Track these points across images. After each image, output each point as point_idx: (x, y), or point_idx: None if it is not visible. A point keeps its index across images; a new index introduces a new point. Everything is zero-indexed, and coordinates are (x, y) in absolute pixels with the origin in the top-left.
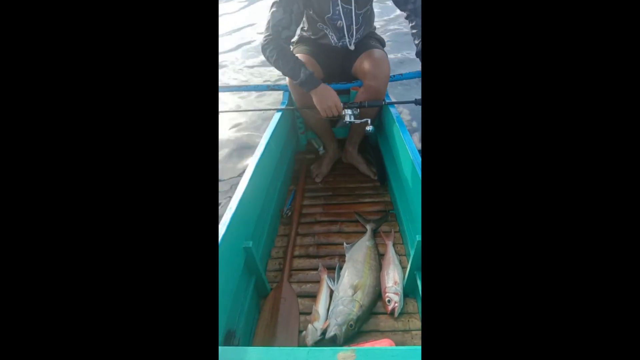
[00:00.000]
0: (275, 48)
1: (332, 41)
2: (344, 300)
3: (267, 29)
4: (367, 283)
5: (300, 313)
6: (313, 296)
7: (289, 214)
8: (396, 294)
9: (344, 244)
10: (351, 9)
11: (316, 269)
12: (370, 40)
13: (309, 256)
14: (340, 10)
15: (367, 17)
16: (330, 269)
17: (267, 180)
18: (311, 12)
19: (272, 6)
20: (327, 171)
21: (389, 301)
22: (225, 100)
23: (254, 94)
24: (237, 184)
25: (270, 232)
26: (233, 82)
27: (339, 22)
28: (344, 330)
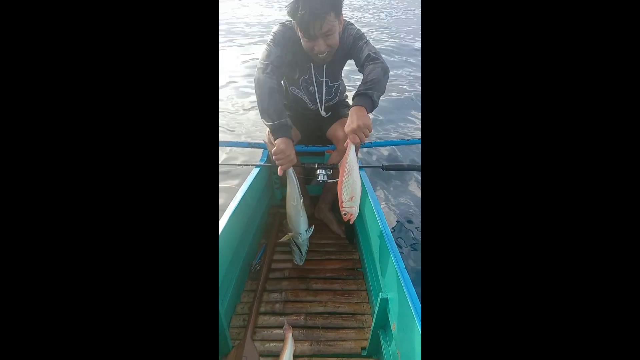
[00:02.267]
0: (269, 81)
1: (307, 103)
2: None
3: (264, 59)
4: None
5: None
6: (276, 355)
7: (258, 268)
8: (352, 207)
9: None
10: (322, 81)
11: (281, 327)
12: (343, 108)
13: (274, 313)
14: (314, 79)
15: (337, 88)
16: (296, 327)
17: (239, 233)
18: (290, 71)
19: (269, 44)
20: None
21: (345, 214)
22: None
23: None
24: None
25: (237, 287)
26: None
27: (311, 87)
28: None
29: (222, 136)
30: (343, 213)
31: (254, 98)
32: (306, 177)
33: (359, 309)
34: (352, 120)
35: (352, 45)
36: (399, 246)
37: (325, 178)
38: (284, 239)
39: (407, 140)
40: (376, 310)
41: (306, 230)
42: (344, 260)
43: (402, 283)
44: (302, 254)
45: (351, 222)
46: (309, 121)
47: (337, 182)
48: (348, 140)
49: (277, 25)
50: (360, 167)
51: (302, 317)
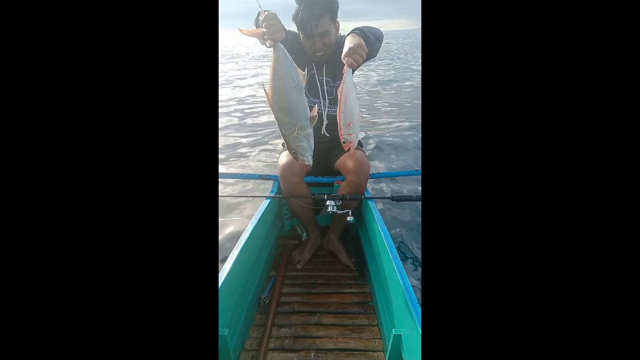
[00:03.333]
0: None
1: (311, 102)
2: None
3: None
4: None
5: None
6: None
7: (267, 301)
8: (350, 134)
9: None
10: (323, 80)
11: None
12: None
13: (284, 349)
14: (316, 77)
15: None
16: None
17: (249, 265)
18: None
19: None
20: (308, 257)
21: (344, 142)
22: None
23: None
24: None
25: (246, 321)
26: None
27: (314, 86)
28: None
29: (233, 170)
30: (342, 141)
31: (254, 137)
32: (315, 208)
33: (371, 346)
34: (346, 45)
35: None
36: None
37: (335, 209)
38: (292, 136)
39: (417, 170)
40: (389, 348)
41: (311, 116)
42: (354, 294)
43: (416, 319)
44: (312, 146)
45: (351, 152)
46: (318, 153)
47: (347, 212)
48: (345, 65)
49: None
50: (369, 198)
51: (312, 354)
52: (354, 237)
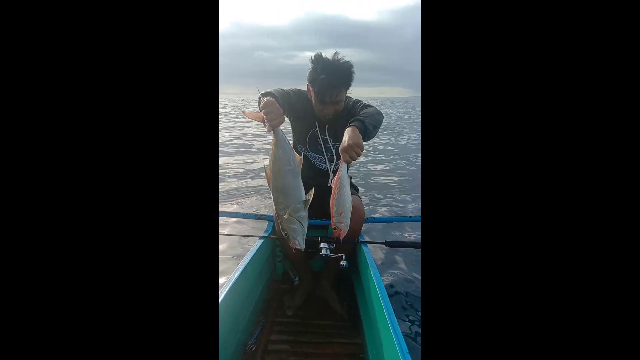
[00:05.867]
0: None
1: (312, 159)
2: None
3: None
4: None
5: None
6: None
7: (254, 348)
8: (341, 222)
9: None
10: (325, 139)
11: None
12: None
13: None
14: (318, 135)
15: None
16: None
17: (237, 309)
18: (299, 125)
19: (288, 91)
20: (300, 303)
21: (335, 229)
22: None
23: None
24: None
25: None
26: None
27: (317, 144)
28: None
29: (229, 207)
30: (333, 228)
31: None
32: (308, 251)
33: None
34: (344, 140)
35: (351, 108)
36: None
37: (328, 252)
38: (284, 218)
39: (409, 217)
40: None
41: (304, 200)
42: (345, 345)
43: None
44: (304, 230)
45: (341, 238)
46: (316, 196)
47: (340, 257)
48: (341, 159)
49: (295, 88)
50: (362, 242)
51: None
52: (348, 284)
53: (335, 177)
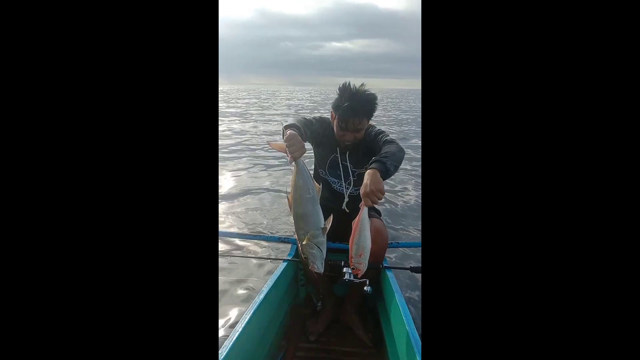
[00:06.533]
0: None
1: (332, 183)
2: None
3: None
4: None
5: None
6: None
7: None
8: (360, 263)
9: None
10: (346, 165)
11: None
12: (370, 210)
13: None
14: (339, 160)
15: (360, 174)
16: None
17: (259, 334)
18: (321, 150)
19: (310, 119)
20: (322, 329)
21: (353, 268)
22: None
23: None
24: (226, 332)
25: None
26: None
27: (337, 169)
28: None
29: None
30: (352, 268)
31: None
32: (332, 275)
33: None
34: (365, 184)
35: (373, 138)
36: None
37: (351, 277)
38: (304, 244)
39: None
40: None
41: (323, 227)
42: None
43: None
44: (323, 255)
45: (359, 277)
46: (336, 220)
47: (364, 282)
48: (362, 202)
49: (318, 116)
50: (387, 268)
51: None
52: (372, 310)
53: (356, 219)
